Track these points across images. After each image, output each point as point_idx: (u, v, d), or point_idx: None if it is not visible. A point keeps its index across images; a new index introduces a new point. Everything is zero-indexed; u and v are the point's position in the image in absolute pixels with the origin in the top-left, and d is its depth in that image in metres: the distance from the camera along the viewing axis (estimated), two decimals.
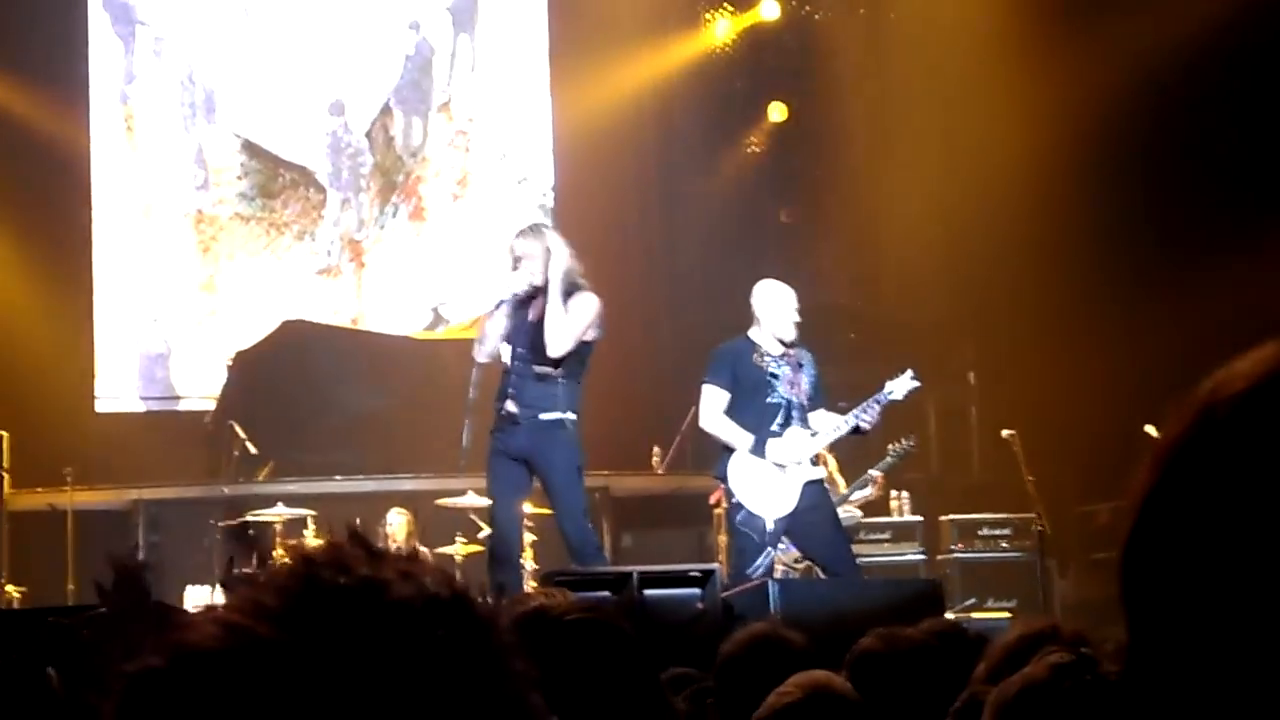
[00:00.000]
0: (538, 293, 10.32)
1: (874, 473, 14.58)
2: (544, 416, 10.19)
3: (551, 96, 20.62)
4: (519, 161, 20.56)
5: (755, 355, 11.20)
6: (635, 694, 2.39)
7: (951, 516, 16.02)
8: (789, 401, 11.11)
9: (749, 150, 20.50)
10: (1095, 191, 16.96)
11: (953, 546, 15.84)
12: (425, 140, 20.46)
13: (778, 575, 12.61)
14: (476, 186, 20.41)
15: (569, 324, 10.20)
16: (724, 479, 11.21)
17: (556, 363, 10.21)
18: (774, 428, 11.05)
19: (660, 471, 17.43)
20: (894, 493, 15.85)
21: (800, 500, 11.01)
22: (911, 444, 14.10)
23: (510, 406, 10.27)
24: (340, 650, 1.05)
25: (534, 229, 10.71)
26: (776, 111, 20.30)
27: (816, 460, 11.40)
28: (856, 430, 11.29)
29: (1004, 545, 15.84)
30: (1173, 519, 1.24)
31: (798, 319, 11.34)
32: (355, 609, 1.07)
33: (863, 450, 14.47)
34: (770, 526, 11.02)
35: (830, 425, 11.25)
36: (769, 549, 11.06)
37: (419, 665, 1.05)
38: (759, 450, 10.96)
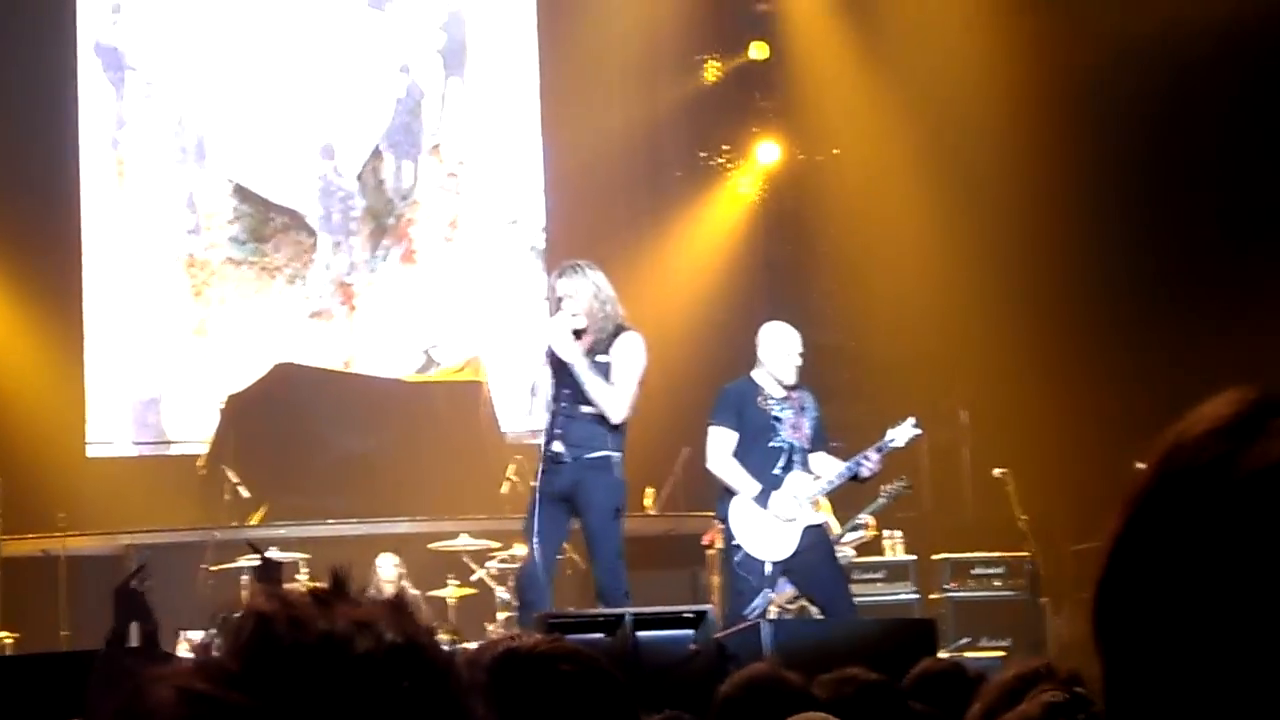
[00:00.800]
0: (578, 334, 10.23)
1: (865, 517, 14.53)
2: (590, 455, 10.10)
3: (542, 138, 20.64)
4: (510, 203, 20.58)
5: (760, 398, 11.20)
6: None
7: (945, 555, 15.99)
8: (791, 445, 11.12)
9: (739, 191, 20.51)
10: (1090, 231, 16.98)
11: (946, 586, 15.80)
12: (416, 183, 20.48)
13: (771, 615, 12.60)
14: (467, 228, 20.42)
15: (622, 383, 10.10)
16: (724, 520, 11.20)
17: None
18: (776, 471, 11.04)
19: (653, 512, 17.40)
20: (886, 532, 15.82)
21: (800, 542, 11.01)
22: (905, 486, 14.08)
23: (556, 446, 10.15)
24: (305, 712, 1.02)
25: (574, 267, 10.47)
26: (766, 152, 20.32)
27: (814, 503, 11.39)
28: (855, 477, 11.28)
29: (997, 584, 15.80)
30: (1135, 566, 1.26)
31: (800, 362, 11.32)
32: (317, 667, 1.04)
33: (856, 490, 14.45)
34: (769, 569, 11.02)
35: (832, 471, 11.26)
36: (766, 590, 11.05)
37: (388, 717, 1.03)
38: (763, 501, 10.96)
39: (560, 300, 10.28)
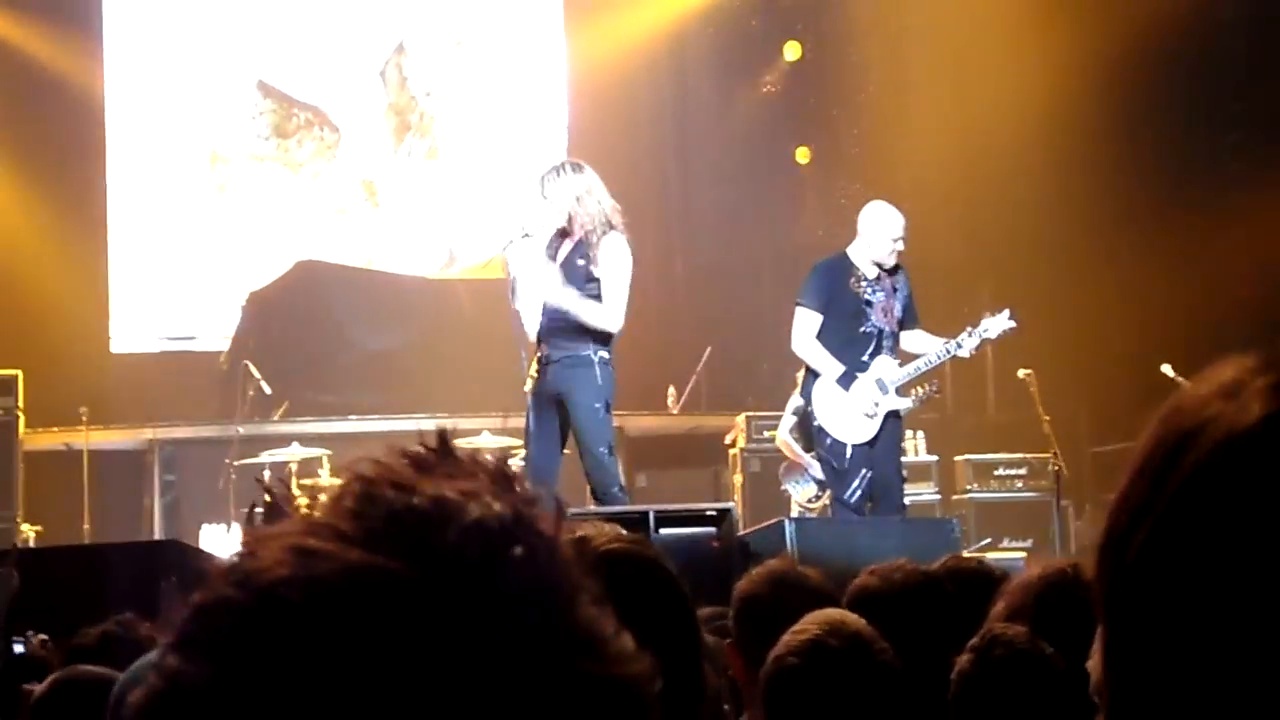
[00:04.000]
0: (565, 234, 10.17)
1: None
2: (574, 354, 10.07)
3: (565, 35, 20.53)
4: (533, 101, 20.49)
5: (853, 279, 11.08)
6: (671, 631, 2.34)
7: (967, 456, 16.00)
8: (880, 330, 11.05)
9: (764, 90, 20.40)
10: (1113, 132, 16.87)
11: (968, 486, 15.81)
12: (439, 80, 20.39)
13: (794, 514, 12.63)
14: (490, 126, 20.34)
15: (611, 297, 9.96)
16: (808, 402, 11.14)
17: (596, 296, 10.02)
18: (864, 358, 10.98)
19: (675, 411, 17.42)
20: (909, 432, 15.81)
21: (880, 429, 10.98)
22: (934, 390, 14.05)
23: (543, 348, 10.16)
24: (429, 573, 1.00)
25: (558, 168, 10.41)
26: (791, 51, 20.19)
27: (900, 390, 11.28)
28: (952, 357, 11.27)
29: (1019, 485, 15.81)
30: (1174, 540, 1.25)
31: (901, 247, 11.20)
32: (435, 530, 1.02)
33: None
34: (849, 453, 10.96)
35: (931, 349, 11.19)
36: (865, 470, 10.99)
37: (503, 585, 1.01)
38: (845, 385, 10.90)
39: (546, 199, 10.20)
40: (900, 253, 11.23)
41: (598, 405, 10.03)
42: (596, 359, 10.03)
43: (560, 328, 10.07)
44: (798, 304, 11.16)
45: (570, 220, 10.07)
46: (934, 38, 18.89)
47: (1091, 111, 17.01)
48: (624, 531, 2.47)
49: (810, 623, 3.67)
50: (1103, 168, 17.03)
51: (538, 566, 1.03)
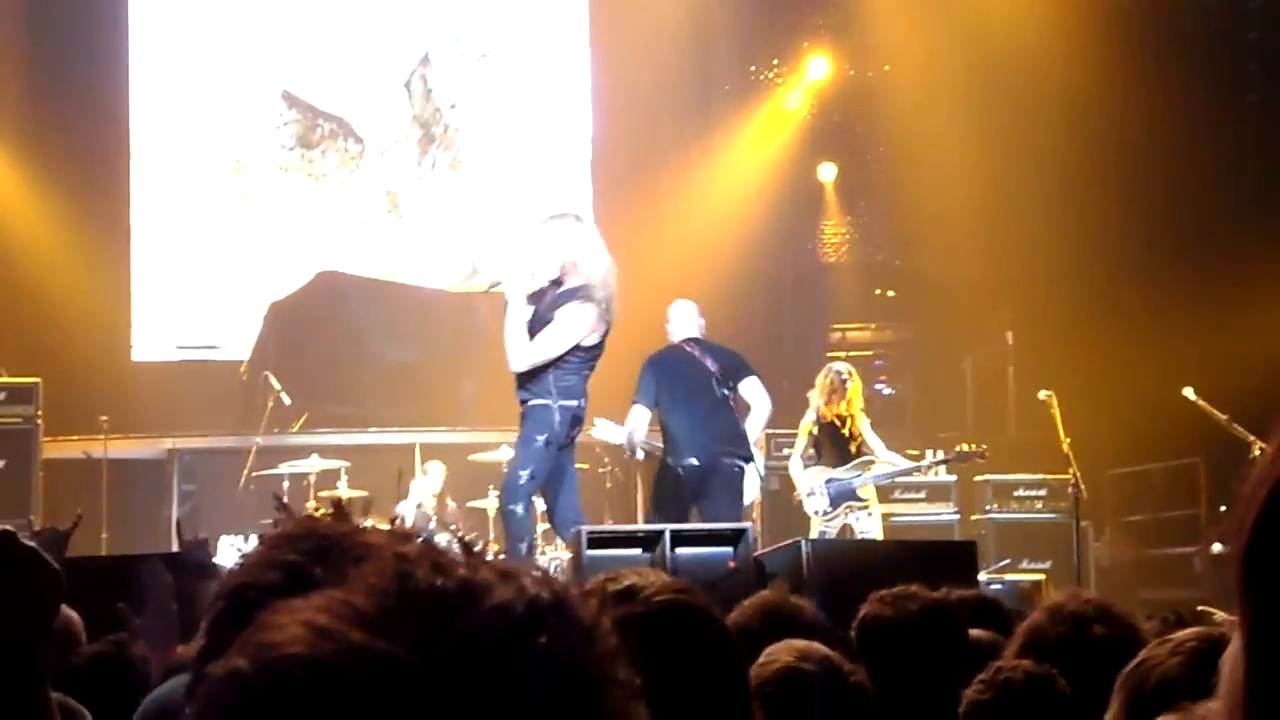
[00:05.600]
0: (550, 286, 10.22)
1: (926, 463, 14.61)
2: (532, 402, 10.15)
3: (590, 48, 20.53)
4: (557, 114, 20.49)
5: None
6: (721, 683, 2.32)
7: (987, 477, 15.96)
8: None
9: (789, 107, 20.39)
10: (1138, 154, 16.84)
11: (988, 507, 15.78)
12: (464, 92, 20.40)
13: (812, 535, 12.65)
14: (515, 139, 20.34)
15: (537, 345, 10.07)
16: None
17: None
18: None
19: None
20: (929, 452, 15.79)
21: None
22: (982, 452, 14.16)
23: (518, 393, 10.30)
24: (439, 658, 0.99)
25: (555, 218, 10.51)
26: (816, 67, 20.18)
27: None
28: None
29: (1039, 506, 15.78)
30: None
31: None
32: (453, 613, 1.00)
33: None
34: None
35: None
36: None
37: (520, 674, 0.99)
38: None
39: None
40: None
41: (527, 442, 10.08)
42: (554, 408, 10.08)
43: (530, 372, 10.15)
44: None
45: (566, 270, 10.12)
46: (961, 59, 18.86)
47: (1117, 135, 16.98)
48: (669, 579, 2.44)
49: (779, 652, 3.65)
50: (1126, 190, 17.00)
51: (565, 655, 1.01)
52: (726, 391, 11.35)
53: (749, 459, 11.31)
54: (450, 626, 0.99)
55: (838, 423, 13.74)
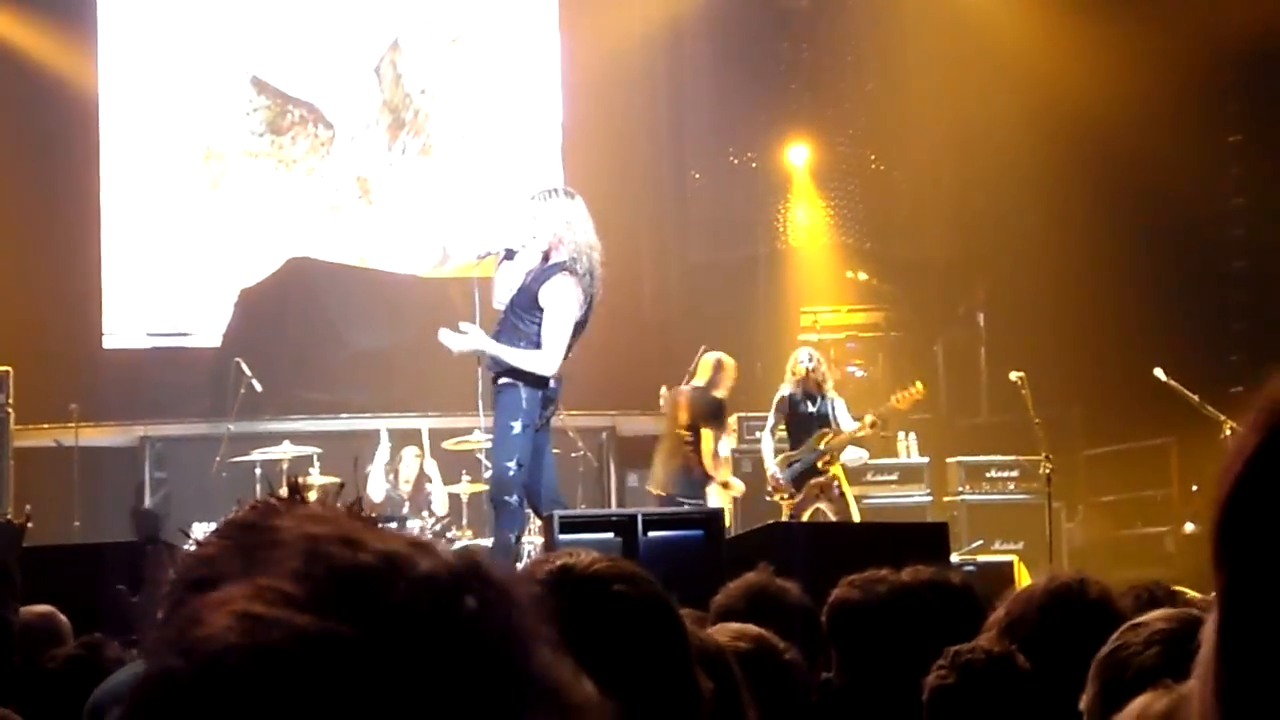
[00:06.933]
0: (547, 257, 10.18)
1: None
2: (501, 381, 10.12)
3: (560, 32, 20.49)
4: (528, 99, 20.45)
5: None
6: (660, 641, 2.33)
7: (959, 458, 16.00)
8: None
9: (760, 89, 20.36)
10: (1108, 134, 16.87)
11: (960, 488, 15.81)
12: (434, 77, 20.35)
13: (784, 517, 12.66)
14: (485, 124, 20.30)
15: (551, 340, 9.98)
16: None
17: (536, 325, 10.04)
18: None
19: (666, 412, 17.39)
20: (901, 434, 15.82)
21: None
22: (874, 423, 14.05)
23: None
24: (378, 632, 0.97)
25: (545, 192, 10.48)
26: (789, 49, 20.16)
27: None
28: None
29: (1012, 487, 15.82)
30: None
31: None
32: (382, 587, 0.99)
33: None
34: None
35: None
36: None
37: (457, 638, 0.99)
38: None
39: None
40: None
41: (503, 429, 10.06)
42: (522, 386, 10.04)
43: (504, 337, 10.11)
44: None
45: (554, 245, 10.08)
46: (932, 39, 18.88)
47: (1087, 116, 17.00)
48: (599, 554, 2.45)
49: (714, 633, 3.66)
50: (1098, 172, 17.03)
51: (492, 617, 1.00)
52: None
53: None
54: (382, 600, 0.98)
55: (805, 405, 13.80)
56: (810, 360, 13.98)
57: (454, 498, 14.92)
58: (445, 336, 10.36)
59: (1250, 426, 1.25)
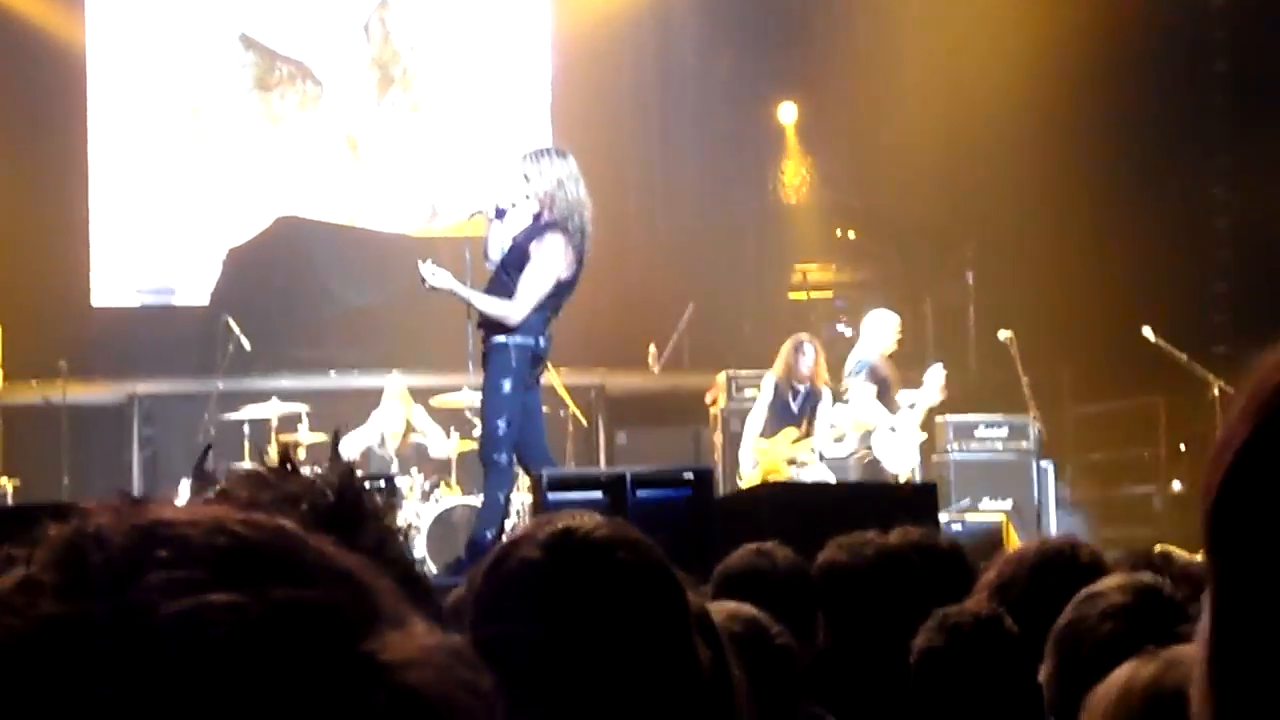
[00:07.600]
0: (538, 215, 10.17)
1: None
2: (492, 339, 10.12)
3: None
4: (517, 56, 20.39)
5: None
6: (658, 616, 2.31)
7: (948, 417, 15.98)
8: None
9: (749, 45, 20.30)
10: (1097, 95, 16.85)
11: (949, 447, 15.79)
12: (423, 34, 20.28)
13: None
14: (474, 81, 20.24)
15: (524, 291, 10.01)
16: None
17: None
18: None
19: (656, 370, 17.40)
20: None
21: None
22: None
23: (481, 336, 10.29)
24: (116, 621, 0.92)
25: (536, 153, 10.46)
26: (779, 5, 20.10)
27: None
28: None
29: (1000, 446, 15.78)
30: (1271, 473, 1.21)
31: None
32: (125, 571, 0.93)
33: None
34: None
35: None
36: None
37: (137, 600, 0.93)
38: None
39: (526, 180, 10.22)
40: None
41: (493, 390, 10.04)
42: (512, 347, 10.05)
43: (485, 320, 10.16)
44: None
45: (545, 204, 10.06)
46: (922, 2, 18.85)
47: (1076, 75, 16.97)
48: (601, 518, 2.43)
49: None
50: (1086, 131, 17.01)
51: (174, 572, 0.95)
52: None
53: None
54: (122, 588, 0.93)
55: (787, 397, 13.80)
56: (799, 352, 13.91)
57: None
58: (425, 268, 10.36)
59: (1240, 414, 1.24)
